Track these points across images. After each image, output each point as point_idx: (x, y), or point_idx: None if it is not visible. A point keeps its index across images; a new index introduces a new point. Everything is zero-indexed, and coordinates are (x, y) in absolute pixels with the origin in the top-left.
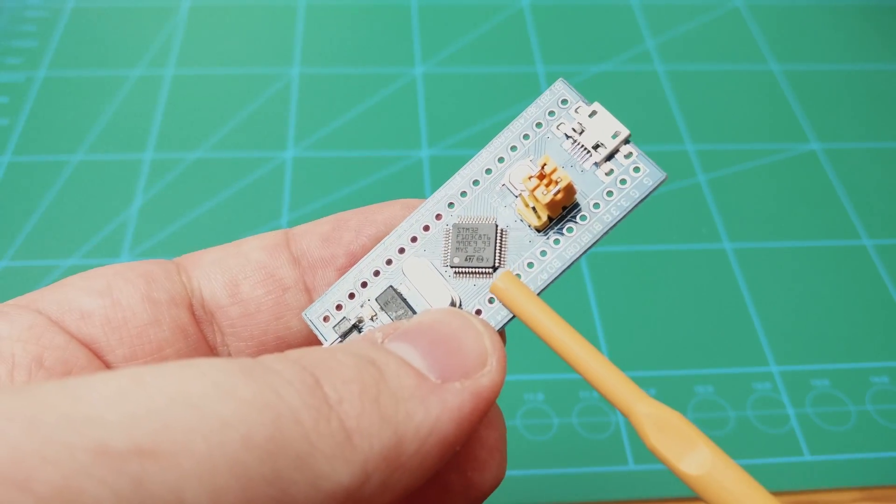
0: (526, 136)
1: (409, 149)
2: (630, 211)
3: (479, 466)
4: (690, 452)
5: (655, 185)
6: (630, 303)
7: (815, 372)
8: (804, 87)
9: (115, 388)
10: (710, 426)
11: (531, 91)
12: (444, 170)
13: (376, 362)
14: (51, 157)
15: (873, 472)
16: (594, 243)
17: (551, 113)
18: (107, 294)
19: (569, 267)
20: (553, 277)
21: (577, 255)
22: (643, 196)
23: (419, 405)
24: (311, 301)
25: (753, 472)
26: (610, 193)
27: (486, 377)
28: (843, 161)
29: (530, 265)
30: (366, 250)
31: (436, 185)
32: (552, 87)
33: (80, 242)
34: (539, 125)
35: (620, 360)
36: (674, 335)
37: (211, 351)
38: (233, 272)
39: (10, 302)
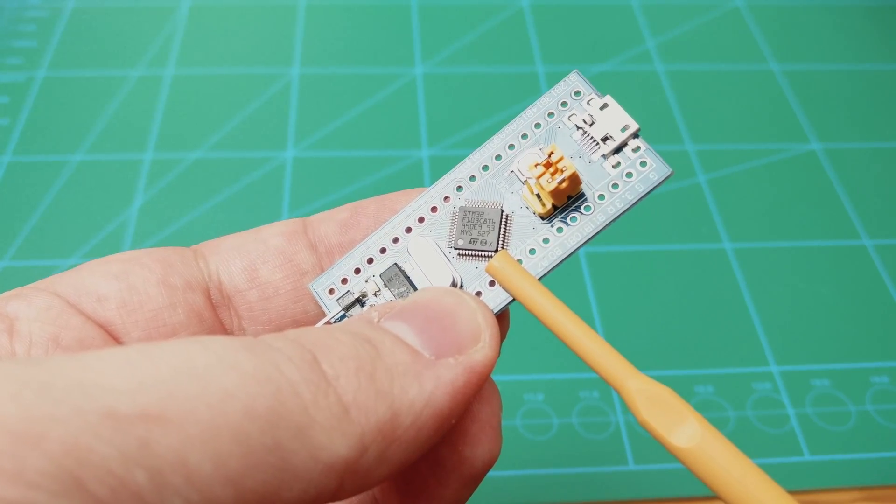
0: (537, 125)
1: (409, 149)
2: (634, 204)
3: (470, 441)
4: (680, 426)
5: (661, 180)
6: (630, 303)
7: (815, 372)
8: (804, 87)
9: (123, 359)
10: None
11: (531, 91)
12: (444, 170)
13: (372, 340)
14: (51, 157)
15: (873, 472)
16: (596, 234)
17: (564, 103)
18: (123, 278)
19: (570, 255)
20: (554, 264)
21: (579, 245)
22: (648, 190)
23: (414, 380)
24: None
25: None
26: (615, 186)
27: (480, 352)
28: (843, 161)
29: (532, 251)
30: None
31: None
32: (567, 77)
33: (80, 242)
34: (551, 115)
35: None
36: (674, 335)
37: (227, 334)
38: (251, 257)
39: (28, 286)
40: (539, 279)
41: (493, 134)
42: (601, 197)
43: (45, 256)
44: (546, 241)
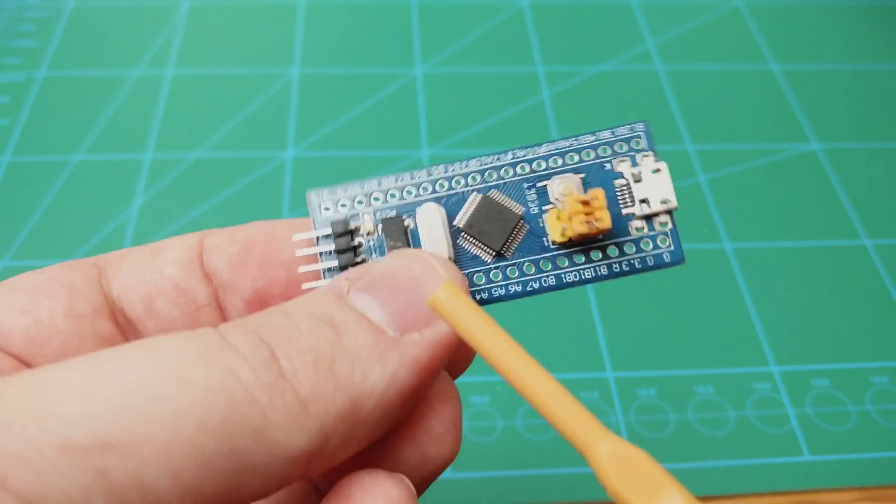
0: (588, 154)
1: (409, 149)
2: (637, 272)
3: (435, 441)
4: (660, 498)
5: (671, 263)
6: (630, 302)
7: (815, 372)
8: (804, 87)
9: (77, 382)
10: (710, 426)
11: (531, 91)
12: None
13: (336, 323)
14: (51, 157)
15: (873, 472)
16: (592, 282)
17: (621, 146)
18: (28, 312)
19: (560, 289)
20: (542, 291)
21: (573, 284)
22: (655, 267)
23: (375, 363)
24: (224, 319)
25: (753, 472)
26: (629, 247)
27: (446, 324)
28: (843, 161)
29: (528, 268)
30: (274, 286)
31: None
32: (634, 124)
33: (80, 242)
34: (605, 150)
35: (621, 360)
36: (674, 335)
37: None
38: (148, 287)
39: None
40: (524, 296)
41: (491, 137)
42: (613, 250)
43: (45, 256)
44: (546, 264)
